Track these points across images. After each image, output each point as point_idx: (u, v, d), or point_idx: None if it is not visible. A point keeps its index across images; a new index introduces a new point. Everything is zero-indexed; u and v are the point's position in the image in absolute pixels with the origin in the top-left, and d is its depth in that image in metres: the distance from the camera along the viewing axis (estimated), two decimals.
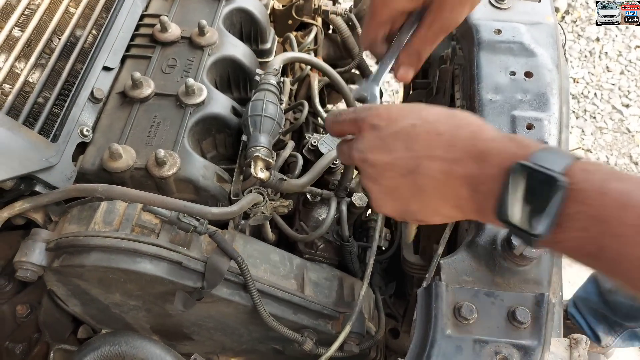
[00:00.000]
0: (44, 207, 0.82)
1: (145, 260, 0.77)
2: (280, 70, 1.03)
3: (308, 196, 1.05)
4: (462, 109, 0.94)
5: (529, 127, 0.86)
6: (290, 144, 1.09)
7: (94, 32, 0.96)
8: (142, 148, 0.88)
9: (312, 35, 1.31)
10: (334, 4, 1.32)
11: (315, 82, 1.27)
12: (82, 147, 0.88)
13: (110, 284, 0.82)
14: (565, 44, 1.10)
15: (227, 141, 1.00)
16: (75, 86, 0.89)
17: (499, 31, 0.95)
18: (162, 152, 0.82)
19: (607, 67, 3.11)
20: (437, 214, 0.58)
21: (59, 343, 0.91)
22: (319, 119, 1.25)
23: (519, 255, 0.73)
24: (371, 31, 0.69)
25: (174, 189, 0.87)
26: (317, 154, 1.08)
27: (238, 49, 1.05)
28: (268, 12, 1.35)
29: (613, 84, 3.02)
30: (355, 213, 1.05)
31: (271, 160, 0.87)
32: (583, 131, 2.84)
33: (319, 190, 1.03)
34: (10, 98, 0.78)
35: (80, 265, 0.76)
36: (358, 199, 1.03)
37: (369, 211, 1.14)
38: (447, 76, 1.16)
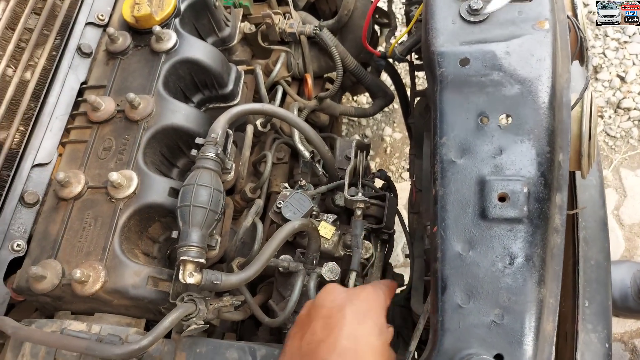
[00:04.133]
0: None
1: None
2: (229, 128, 0.90)
3: (279, 267, 0.94)
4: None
5: (502, 198, 0.65)
6: (255, 207, 0.97)
7: (21, 128, 0.90)
8: (74, 257, 0.82)
9: (279, 64, 1.14)
10: (285, 18, 1.13)
11: (294, 115, 1.12)
12: (19, 261, 0.85)
13: None
14: (586, 45, 0.84)
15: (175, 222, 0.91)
16: (2, 197, 0.85)
17: (466, 61, 0.73)
18: (77, 273, 0.75)
19: None
20: None
21: None
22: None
23: None
24: None
25: (110, 299, 0.81)
26: (284, 217, 0.95)
27: (179, 115, 0.93)
28: (240, 37, 1.21)
29: None
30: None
31: (203, 260, 0.76)
32: None
33: (286, 263, 0.91)
34: None
35: None
36: (328, 270, 0.90)
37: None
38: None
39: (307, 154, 1.08)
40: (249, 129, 1.03)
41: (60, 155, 0.94)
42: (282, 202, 0.95)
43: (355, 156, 1.03)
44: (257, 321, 1.04)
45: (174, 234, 0.80)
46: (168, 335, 0.80)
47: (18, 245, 0.83)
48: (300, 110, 1.16)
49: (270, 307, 0.94)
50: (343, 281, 0.93)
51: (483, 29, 0.75)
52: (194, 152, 0.87)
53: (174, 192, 0.87)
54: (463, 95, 0.72)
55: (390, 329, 0.69)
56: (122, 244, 0.83)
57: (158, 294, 0.81)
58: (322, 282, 0.90)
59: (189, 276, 0.75)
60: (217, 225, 0.83)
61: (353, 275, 0.88)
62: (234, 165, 0.91)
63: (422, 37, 0.81)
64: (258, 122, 1.11)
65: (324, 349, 0.62)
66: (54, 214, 0.87)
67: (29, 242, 0.86)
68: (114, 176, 0.82)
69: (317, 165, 1.08)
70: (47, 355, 0.74)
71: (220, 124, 0.89)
